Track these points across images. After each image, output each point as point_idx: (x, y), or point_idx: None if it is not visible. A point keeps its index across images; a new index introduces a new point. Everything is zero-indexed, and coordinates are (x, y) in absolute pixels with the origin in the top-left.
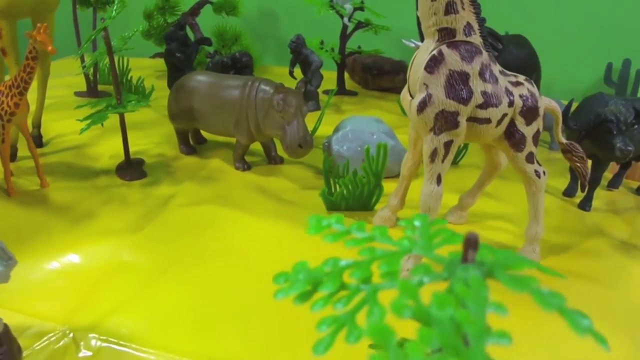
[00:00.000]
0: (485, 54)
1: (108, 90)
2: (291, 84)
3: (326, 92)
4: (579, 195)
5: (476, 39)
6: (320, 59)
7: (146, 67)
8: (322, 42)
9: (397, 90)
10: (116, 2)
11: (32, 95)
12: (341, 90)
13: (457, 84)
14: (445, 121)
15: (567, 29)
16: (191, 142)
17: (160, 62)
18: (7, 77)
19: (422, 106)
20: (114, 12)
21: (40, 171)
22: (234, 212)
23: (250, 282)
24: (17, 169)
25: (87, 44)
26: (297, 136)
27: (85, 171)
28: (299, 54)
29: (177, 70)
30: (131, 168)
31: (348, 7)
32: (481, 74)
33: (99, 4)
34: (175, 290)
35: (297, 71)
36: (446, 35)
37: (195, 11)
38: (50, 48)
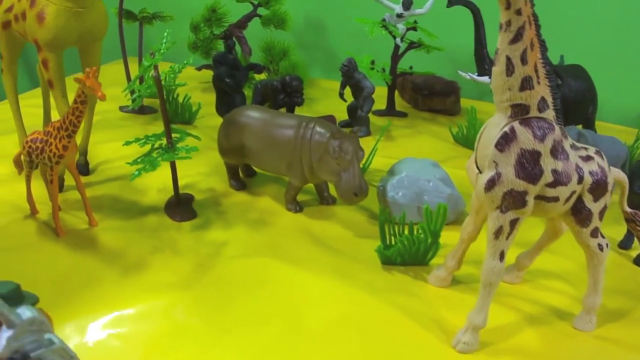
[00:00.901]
0: (557, 129)
1: (154, 106)
2: (341, 106)
3: (376, 112)
4: (635, 247)
5: (549, 113)
6: (373, 84)
7: (193, 78)
8: (373, 62)
9: (448, 112)
10: (166, 35)
11: None
12: (391, 110)
13: (528, 164)
14: (513, 200)
15: (625, 50)
16: (241, 175)
17: (207, 74)
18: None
19: (491, 185)
20: (163, 47)
21: (89, 209)
22: (287, 267)
23: (307, 351)
24: (64, 202)
25: (135, 81)
26: (352, 184)
27: (133, 207)
28: (350, 77)
29: (225, 94)
30: (181, 207)
31: (401, 27)
32: (553, 152)
33: (145, 19)
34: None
35: (347, 91)
36: (519, 111)
37: (242, 24)
38: (99, 94)
